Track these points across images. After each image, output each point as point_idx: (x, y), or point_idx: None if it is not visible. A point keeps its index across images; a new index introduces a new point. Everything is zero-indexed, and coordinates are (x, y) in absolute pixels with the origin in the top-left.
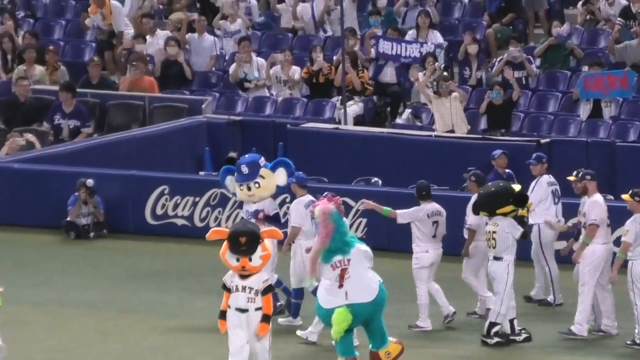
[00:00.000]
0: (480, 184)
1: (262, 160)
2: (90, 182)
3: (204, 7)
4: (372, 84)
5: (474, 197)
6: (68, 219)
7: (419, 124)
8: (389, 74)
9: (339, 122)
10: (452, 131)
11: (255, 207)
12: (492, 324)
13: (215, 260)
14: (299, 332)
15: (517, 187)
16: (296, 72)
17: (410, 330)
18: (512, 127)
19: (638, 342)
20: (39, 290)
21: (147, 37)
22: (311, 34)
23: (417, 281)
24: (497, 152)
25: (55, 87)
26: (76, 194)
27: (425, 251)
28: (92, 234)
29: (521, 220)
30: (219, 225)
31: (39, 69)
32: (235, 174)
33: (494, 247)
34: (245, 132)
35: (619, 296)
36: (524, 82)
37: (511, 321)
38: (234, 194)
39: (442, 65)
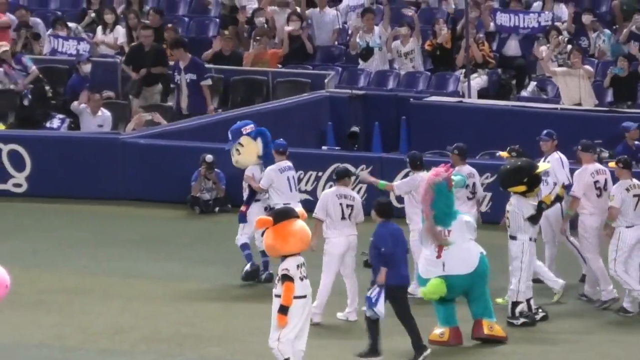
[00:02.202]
0: (463, 156)
1: (248, 128)
2: (210, 157)
3: None
4: (495, 56)
5: (456, 169)
6: (192, 194)
7: (544, 96)
8: (512, 47)
9: (463, 96)
10: (579, 104)
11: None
12: (515, 304)
13: None
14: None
15: (543, 166)
16: (415, 44)
17: None
18: (638, 100)
19: (628, 308)
20: (164, 264)
21: (269, 8)
22: (434, 6)
23: (416, 255)
24: (631, 124)
25: (171, 62)
26: (199, 169)
27: None
28: (217, 209)
29: (539, 206)
30: None
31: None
32: None
33: (509, 226)
34: (368, 106)
35: None
36: None
37: (528, 300)
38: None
39: (567, 39)
